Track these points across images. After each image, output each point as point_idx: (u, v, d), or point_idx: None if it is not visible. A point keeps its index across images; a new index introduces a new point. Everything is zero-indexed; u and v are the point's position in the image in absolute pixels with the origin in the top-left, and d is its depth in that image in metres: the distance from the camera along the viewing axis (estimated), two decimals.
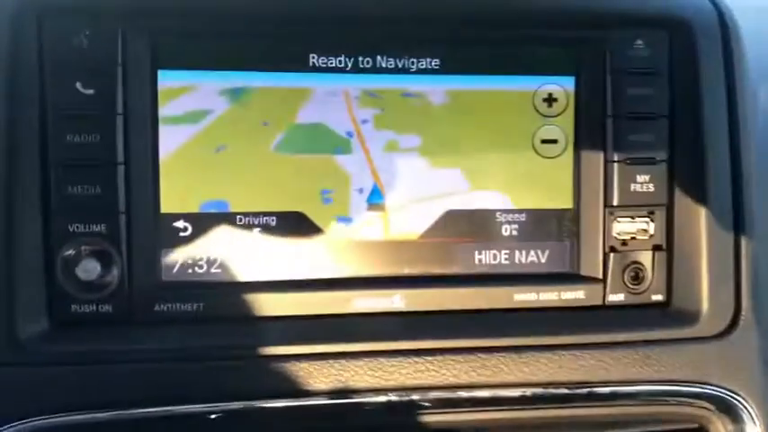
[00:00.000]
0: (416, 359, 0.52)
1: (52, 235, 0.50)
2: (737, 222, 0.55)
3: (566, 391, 0.53)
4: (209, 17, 0.51)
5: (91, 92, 0.50)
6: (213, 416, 0.50)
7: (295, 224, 0.53)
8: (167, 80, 0.52)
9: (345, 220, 0.54)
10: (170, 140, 0.52)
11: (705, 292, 0.54)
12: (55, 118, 0.50)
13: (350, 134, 0.54)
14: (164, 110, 0.52)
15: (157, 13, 0.51)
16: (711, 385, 0.54)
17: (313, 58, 0.53)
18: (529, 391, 0.52)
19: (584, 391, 0.53)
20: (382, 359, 0.51)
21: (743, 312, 0.55)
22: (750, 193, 0.55)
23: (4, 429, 0.48)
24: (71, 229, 0.50)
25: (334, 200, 0.54)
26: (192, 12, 0.51)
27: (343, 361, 0.51)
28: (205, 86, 0.52)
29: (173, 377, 0.50)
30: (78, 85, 0.50)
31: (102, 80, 0.50)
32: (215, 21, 0.51)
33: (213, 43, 0.52)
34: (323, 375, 0.51)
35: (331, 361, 0.51)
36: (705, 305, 0.54)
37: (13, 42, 0.49)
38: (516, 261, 0.56)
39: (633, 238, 0.55)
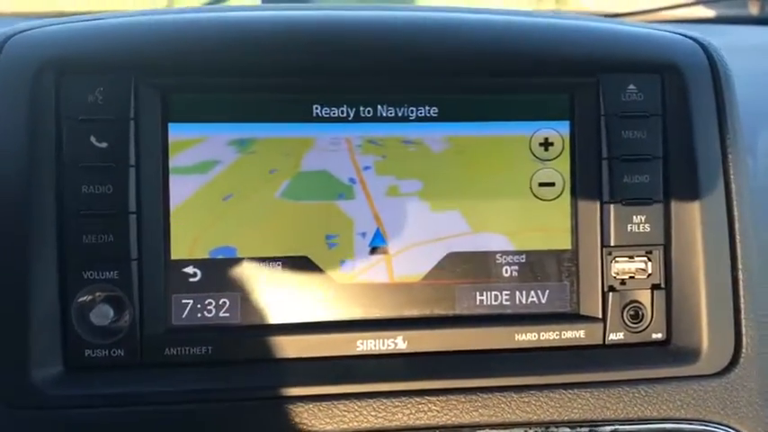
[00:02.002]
0: (419, 399, 0.53)
1: (67, 282, 0.52)
2: (735, 260, 0.56)
3: (567, 429, 0.53)
4: (216, 73, 0.54)
5: (105, 145, 0.52)
6: None
7: (301, 268, 0.55)
8: (177, 133, 0.54)
9: (349, 263, 0.55)
10: (180, 190, 0.54)
11: (705, 330, 0.55)
12: (70, 170, 0.52)
13: (352, 180, 0.56)
14: (174, 161, 0.54)
15: (167, 70, 0.53)
16: (713, 423, 0.54)
17: (316, 108, 0.55)
18: (531, 430, 0.53)
19: (586, 429, 0.53)
20: (385, 399, 0.52)
21: (743, 350, 0.55)
22: (746, 231, 0.56)
23: None
24: (85, 276, 0.52)
25: (338, 244, 0.55)
26: (200, 69, 0.53)
27: (347, 402, 0.52)
28: (214, 138, 0.54)
29: (182, 419, 0.51)
30: (93, 138, 0.52)
31: (116, 134, 0.52)
32: (222, 77, 0.54)
33: (221, 97, 0.54)
34: (327, 416, 0.52)
35: (335, 402, 0.52)
36: (705, 343, 0.55)
37: (32, 99, 0.51)
38: (517, 302, 0.57)
39: (632, 278, 0.56)
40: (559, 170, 0.57)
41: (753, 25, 1.08)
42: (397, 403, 0.52)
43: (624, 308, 0.56)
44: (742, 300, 0.55)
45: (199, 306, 0.54)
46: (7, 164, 0.51)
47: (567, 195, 0.57)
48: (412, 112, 0.56)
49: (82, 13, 0.92)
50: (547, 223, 0.57)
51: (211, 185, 0.54)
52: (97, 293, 0.53)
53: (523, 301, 0.57)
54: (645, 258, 0.56)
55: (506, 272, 0.57)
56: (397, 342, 0.55)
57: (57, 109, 0.52)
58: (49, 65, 0.52)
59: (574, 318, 0.56)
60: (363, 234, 0.56)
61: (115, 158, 0.52)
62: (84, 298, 0.52)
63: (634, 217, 0.56)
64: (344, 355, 0.54)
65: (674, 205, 0.56)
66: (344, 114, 0.56)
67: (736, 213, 0.56)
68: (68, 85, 0.52)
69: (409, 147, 0.56)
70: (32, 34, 0.53)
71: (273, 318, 0.55)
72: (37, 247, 0.51)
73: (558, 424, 0.53)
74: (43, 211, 0.51)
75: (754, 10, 1.10)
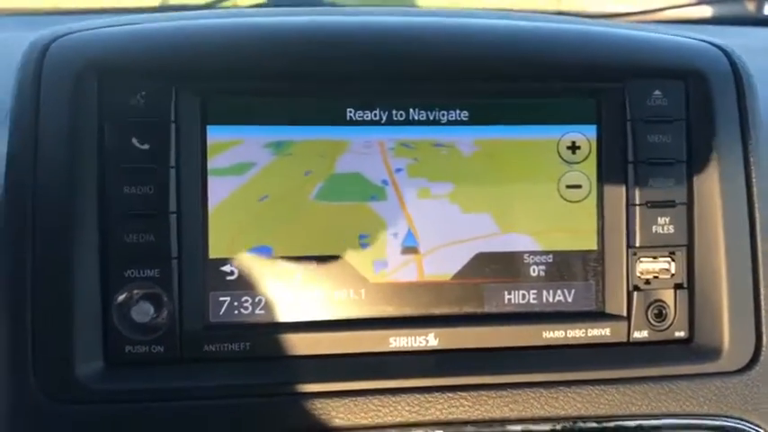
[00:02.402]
0: (451, 395, 0.54)
1: (109, 280, 0.53)
2: (756, 260, 0.57)
3: (594, 424, 0.55)
4: (254, 78, 0.55)
5: (146, 147, 0.54)
6: None
7: (334, 267, 0.56)
8: (216, 135, 0.55)
9: (382, 263, 0.57)
10: (218, 191, 0.55)
11: (726, 329, 0.57)
12: (113, 171, 0.53)
13: (385, 182, 0.57)
14: (212, 163, 0.55)
15: (207, 75, 0.55)
16: (734, 419, 0.56)
17: (350, 112, 0.57)
18: (559, 425, 0.55)
19: (612, 424, 0.55)
20: (418, 395, 0.54)
21: (764, 347, 0.57)
22: (766, 231, 0.58)
23: None
24: (126, 275, 0.54)
25: (370, 244, 0.57)
26: (239, 73, 0.55)
27: (381, 397, 0.54)
28: (250, 140, 0.56)
29: (221, 414, 0.53)
30: (135, 140, 0.54)
31: (157, 136, 0.54)
32: (259, 81, 0.55)
33: (258, 101, 0.56)
34: (363, 411, 0.53)
35: (370, 397, 0.54)
36: (726, 341, 0.57)
37: (75, 100, 0.53)
38: (544, 300, 0.58)
39: (656, 278, 0.58)
40: (586, 173, 0.58)
41: (753, 26, 1.09)
42: (429, 398, 0.54)
43: (648, 307, 0.58)
44: (763, 299, 0.57)
45: (236, 303, 0.56)
46: (51, 165, 0.52)
47: (593, 197, 0.58)
48: (443, 115, 0.57)
49: (87, 10, 0.93)
50: (574, 224, 0.58)
51: (248, 187, 0.56)
52: (136, 291, 0.54)
53: (550, 300, 0.58)
54: (668, 259, 0.58)
55: (534, 271, 0.58)
56: (429, 339, 0.56)
57: (99, 111, 0.53)
58: (93, 68, 0.53)
59: (599, 316, 0.58)
60: (395, 234, 0.57)
61: (156, 160, 0.54)
62: (125, 295, 0.54)
63: (659, 219, 0.58)
64: (378, 352, 0.56)
65: (697, 207, 0.58)
66: (377, 118, 0.57)
67: (757, 215, 0.57)
68: (111, 89, 0.54)
69: (441, 150, 0.57)
70: (75, 38, 0.55)
71: (308, 315, 0.56)
72: (80, 247, 0.52)
73: (585, 419, 0.55)
74: (86, 211, 0.53)
75: (752, 9, 1.11)
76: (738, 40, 0.67)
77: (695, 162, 0.58)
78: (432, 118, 0.57)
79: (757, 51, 0.75)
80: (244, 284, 0.56)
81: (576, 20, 0.62)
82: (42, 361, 0.52)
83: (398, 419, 0.54)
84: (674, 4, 1.06)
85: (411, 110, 0.57)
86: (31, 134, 0.52)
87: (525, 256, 0.58)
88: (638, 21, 1.02)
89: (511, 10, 0.74)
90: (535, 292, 0.58)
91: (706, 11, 1.09)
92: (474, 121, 0.58)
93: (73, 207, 0.52)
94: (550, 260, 0.58)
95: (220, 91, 0.55)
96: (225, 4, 1.03)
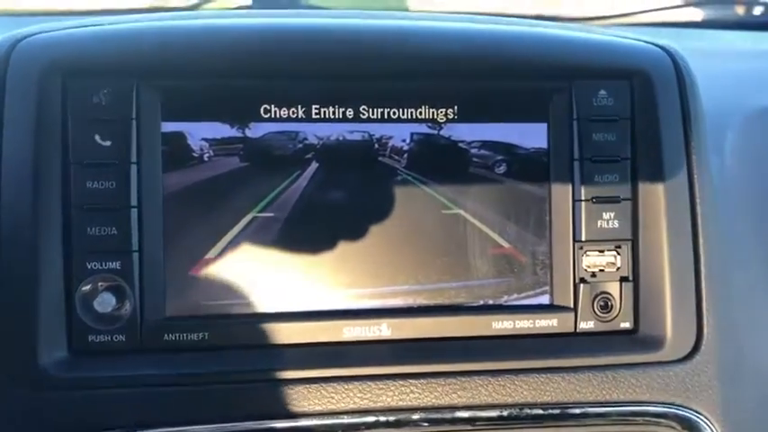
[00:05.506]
0: (402, 382, 0.56)
1: (72, 272, 0.55)
2: (697, 253, 0.60)
3: (540, 411, 0.57)
4: (213, 77, 0.57)
5: (108, 143, 0.56)
6: None
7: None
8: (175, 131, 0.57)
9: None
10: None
11: (669, 320, 0.59)
12: (76, 167, 0.55)
13: None
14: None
15: (167, 74, 0.56)
16: (676, 406, 0.58)
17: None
18: (505, 412, 0.57)
19: (557, 411, 0.57)
20: (370, 383, 0.56)
21: (704, 337, 0.59)
22: (708, 226, 0.60)
23: None
24: (89, 267, 0.55)
25: None
26: (198, 73, 0.57)
27: (335, 384, 0.56)
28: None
29: (178, 401, 0.55)
30: (97, 137, 0.55)
31: (119, 133, 0.56)
32: (218, 79, 0.57)
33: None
34: (316, 398, 0.55)
35: (324, 385, 0.55)
36: (669, 332, 0.59)
37: (39, 99, 0.54)
38: (494, 292, 0.60)
39: (602, 271, 0.60)
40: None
41: (735, 30, 1.10)
42: (381, 386, 0.56)
43: (594, 298, 0.60)
44: (704, 291, 0.59)
45: (195, 295, 0.57)
46: (16, 161, 0.54)
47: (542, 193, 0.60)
48: (394, 113, 0.59)
49: (83, 12, 0.95)
50: (523, 218, 0.60)
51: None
52: (100, 283, 0.56)
53: (500, 292, 0.60)
54: (614, 252, 0.60)
55: (485, 264, 0.60)
56: (382, 329, 0.58)
57: (63, 109, 0.55)
58: (57, 68, 0.55)
59: (547, 308, 0.60)
60: None
61: (118, 156, 0.56)
62: (88, 287, 0.56)
63: (604, 214, 0.60)
64: (332, 342, 0.58)
65: (641, 203, 0.60)
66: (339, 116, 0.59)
67: (699, 210, 0.59)
68: (74, 87, 0.55)
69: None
70: (40, 38, 0.56)
71: (265, 307, 0.58)
72: (44, 240, 0.54)
73: (531, 406, 0.57)
74: (50, 206, 0.54)
75: (740, 12, 1.13)
76: (693, 44, 0.69)
77: (639, 159, 0.60)
78: (386, 116, 0.59)
79: (711, 54, 0.77)
80: (203, 277, 0.57)
81: (529, 22, 0.64)
82: (7, 350, 0.54)
83: (351, 406, 0.55)
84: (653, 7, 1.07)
85: (363, 107, 0.59)
86: None
87: (477, 248, 0.60)
88: (615, 24, 1.03)
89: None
90: (485, 284, 0.60)
91: (693, 13, 1.11)
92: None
93: (37, 201, 0.54)
94: (501, 253, 0.60)
95: (180, 89, 0.57)
96: (209, 5, 1.04)
